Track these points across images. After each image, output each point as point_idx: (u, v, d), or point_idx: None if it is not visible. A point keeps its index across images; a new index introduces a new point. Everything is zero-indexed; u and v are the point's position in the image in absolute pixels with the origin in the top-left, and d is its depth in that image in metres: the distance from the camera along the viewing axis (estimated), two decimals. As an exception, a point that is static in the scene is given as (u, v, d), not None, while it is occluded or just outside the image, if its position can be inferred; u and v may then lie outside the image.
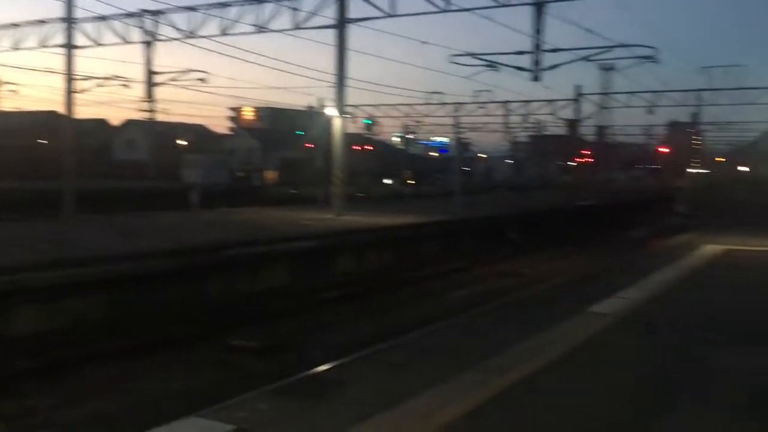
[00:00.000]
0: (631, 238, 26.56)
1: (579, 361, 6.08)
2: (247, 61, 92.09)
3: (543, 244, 23.04)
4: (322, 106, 37.45)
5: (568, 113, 49.29)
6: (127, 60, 67.21)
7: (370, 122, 48.26)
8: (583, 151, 76.59)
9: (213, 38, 22.75)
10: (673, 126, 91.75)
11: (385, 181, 64.52)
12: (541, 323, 7.33)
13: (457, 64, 24.20)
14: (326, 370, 5.83)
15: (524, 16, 24.44)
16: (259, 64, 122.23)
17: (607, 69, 53.47)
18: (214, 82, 52.18)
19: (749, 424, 4.63)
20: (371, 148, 60.94)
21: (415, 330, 8.00)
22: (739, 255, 14.17)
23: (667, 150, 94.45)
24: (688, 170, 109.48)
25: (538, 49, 20.58)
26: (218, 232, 14.99)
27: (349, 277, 15.00)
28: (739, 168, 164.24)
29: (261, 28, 21.48)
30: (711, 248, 15.01)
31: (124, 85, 39.12)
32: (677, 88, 43.76)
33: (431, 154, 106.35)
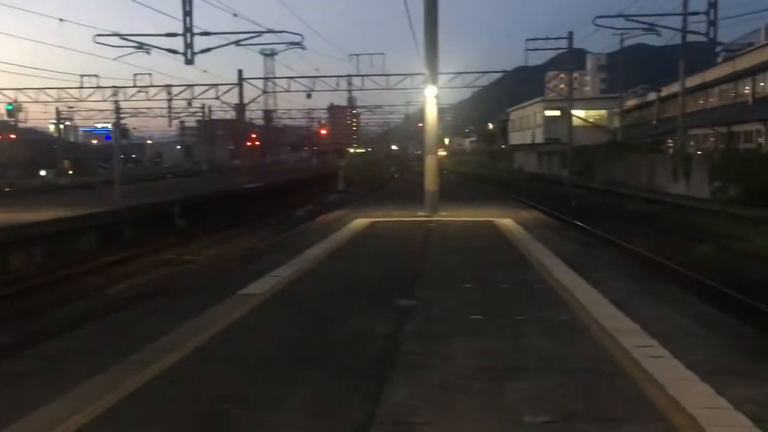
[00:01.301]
0: (296, 216, 27.75)
1: (224, 343, 6.12)
2: None
3: (212, 228, 22.99)
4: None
5: (233, 98, 49.49)
6: None
7: (11, 107, 43.05)
8: (252, 135, 77.83)
9: None
10: (331, 110, 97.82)
11: (42, 172, 58.69)
12: (190, 311, 7.22)
13: (104, 45, 22.71)
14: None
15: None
16: None
17: (268, 54, 54.88)
18: None
19: (343, 381, 5.07)
20: (14, 136, 54.46)
21: (63, 334, 7.34)
22: (382, 226, 15.66)
23: (327, 132, 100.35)
24: (348, 150, 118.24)
25: (189, 31, 20.23)
26: None
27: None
28: (393, 147, 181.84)
29: None
30: (360, 221, 16.34)
31: None
32: (331, 73, 46.54)
33: (93, 141, 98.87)
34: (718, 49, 63.86)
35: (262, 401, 4.66)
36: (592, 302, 7.46)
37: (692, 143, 40.24)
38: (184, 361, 5.58)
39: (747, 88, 38.62)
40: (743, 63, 44.44)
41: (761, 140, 31.48)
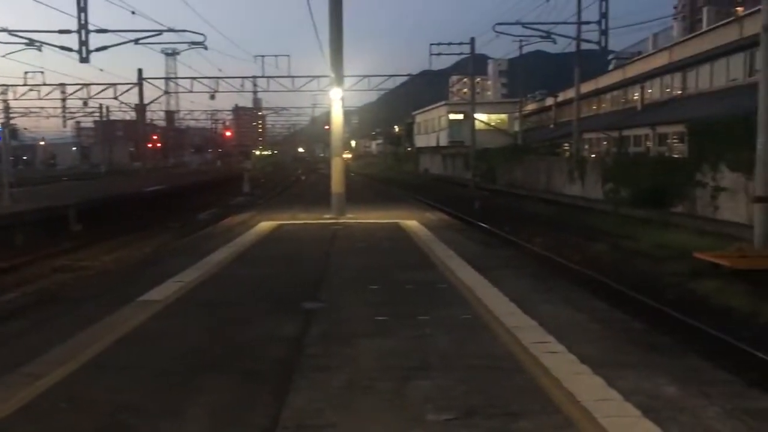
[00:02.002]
0: (200, 219, 27.12)
1: (122, 352, 5.91)
2: None
3: (110, 233, 22.13)
4: None
5: (133, 98, 47.94)
6: None
7: None
8: (153, 136, 75.54)
9: None
10: (236, 111, 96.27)
11: None
12: (86, 319, 6.94)
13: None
14: None
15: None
16: None
17: (169, 54, 53.44)
18: None
19: (246, 387, 5.03)
20: None
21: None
22: (289, 229, 15.56)
23: (232, 134, 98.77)
24: (254, 152, 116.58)
25: (83, 28, 19.43)
26: None
27: None
28: (299, 149, 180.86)
29: None
30: (266, 224, 16.15)
31: None
32: (235, 74, 45.78)
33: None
34: (610, 56, 67.20)
35: (161, 411, 4.54)
36: (493, 301, 7.68)
37: (587, 147, 42.06)
38: (79, 371, 5.35)
39: (636, 94, 40.73)
40: (633, 71, 46.87)
41: (650, 144, 33.28)
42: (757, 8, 29.18)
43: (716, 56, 32.14)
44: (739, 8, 44.86)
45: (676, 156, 28.63)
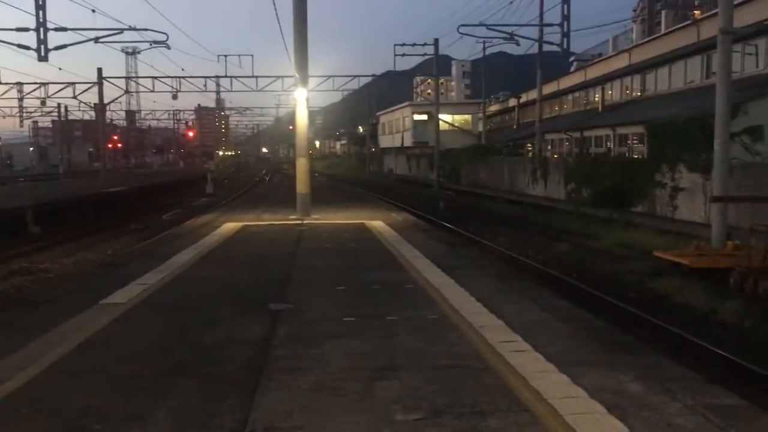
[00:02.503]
0: (163, 221, 26.75)
1: (85, 356, 5.80)
2: None
3: (70, 235, 21.74)
4: None
5: (93, 97, 47.08)
6: None
7: None
8: (114, 136, 74.30)
9: None
10: (199, 111, 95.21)
11: None
12: (47, 323, 6.80)
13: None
14: None
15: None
16: None
17: (130, 53, 52.65)
18: None
19: (213, 389, 4.98)
20: None
21: None
22: (254, 230, 15.44)
23: (194, 134, 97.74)
24: (218, 152, 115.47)
25: (42, 26, 19.02)
26: None
27: None
28: (263, 150, 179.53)
29: None
30: (230, 225, 16.01)
31: None
32: (198, 74, 45.24)
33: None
34: (572, 58, 68.15)
35: (126, 415, 4.46)
36: (460, 301, 7.73)
37: (549, 147, 42.56)
38: (41, 376, 5.24)
39: (597, 96, 41.35)
40: (593, 72, 47.61)
41: (610, 145, 33.81)
42: (713, 12, 29.88)
43: (674, 59, 32.82)
44: (696, 11, 45.85)
45: (636, 157, 29.15)
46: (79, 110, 63.93)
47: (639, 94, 36.38)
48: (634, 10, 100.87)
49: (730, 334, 9.63)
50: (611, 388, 4.83)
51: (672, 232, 18.66)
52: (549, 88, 47.73)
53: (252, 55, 41.53)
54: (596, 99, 41.54)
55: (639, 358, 5.63)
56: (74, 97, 44.50)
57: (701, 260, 13.40)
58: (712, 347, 8.71)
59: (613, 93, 39.99)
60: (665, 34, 42.66)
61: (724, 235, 15.30)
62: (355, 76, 45.03)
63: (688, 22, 40.06)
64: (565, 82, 52.47)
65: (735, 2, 17.18)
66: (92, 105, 50.85)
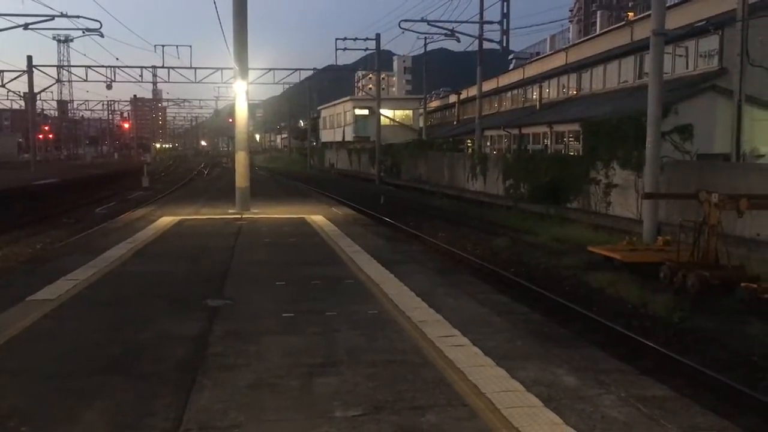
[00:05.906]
0: (96, 215, 26.00)
1: (10, 355, 5.56)
2: None
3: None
4: None
5: (22, 86, 45.35)
6: None
7: None
8: (44, 127, 71.74)
9: None
10: (134, 102, 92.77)
11: None
12: (-31, 321, 6.50)
13: None
14: None
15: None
16: None
17: (62, 41, 50.95)
18: None
19: (146, 389, 4.87)
20: None
21: None
22: (191, 224, 15.13)
23: (130, 125, 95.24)
24: (155, 144, 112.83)
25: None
26: None
27: None
28: (202, 143, 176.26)
29: None
30: (166, 219, 15.66)
31: None
32: (134, 63, 44.09)
33: None
34: (511, 56, 69.22)
35: (54, 417, 4.29)
36: (400, 295, 7.74)
37: (489, 144, 43.13)
38: (-38, 377, 5.00)
39: (535, 93, 42.10)
40: (532, 71, 48.46)
41: (548, 142, 34.47)
42: (646, 14, 30.78)
43: (608, 59, 33.66)
44: (630, 13, 47.15)
45: (572, 154, 29.80)
46: (8, 99, 61.47)
47: (575, 92, 37.21)
48: (571, 10, 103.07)
49: (660, 326, 9.96)
50: (547, 381, 4.91)
51: (606, 228, 19.17)
52: (489, 85, 48.37)
53: (190, 46, 40.79)
54: (534, 97, 42.28)
55: (573, 351, 5.75)
56: (2, 86, 42.77)
57: (633, 255, 13.81)
58: (643, 339, 8.98)
59: (551, 91, 40.77)
60: (600, 35, 43.77)
61: (654, 230, 15.80)
62: (296, 70, 44.72)
63: (622, 23, 41.13)
64: (504, 80, 53.24)
65: (667, 5, 17.73)
66: (22, 94, 48.96)
